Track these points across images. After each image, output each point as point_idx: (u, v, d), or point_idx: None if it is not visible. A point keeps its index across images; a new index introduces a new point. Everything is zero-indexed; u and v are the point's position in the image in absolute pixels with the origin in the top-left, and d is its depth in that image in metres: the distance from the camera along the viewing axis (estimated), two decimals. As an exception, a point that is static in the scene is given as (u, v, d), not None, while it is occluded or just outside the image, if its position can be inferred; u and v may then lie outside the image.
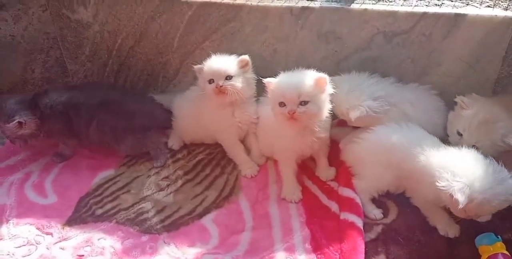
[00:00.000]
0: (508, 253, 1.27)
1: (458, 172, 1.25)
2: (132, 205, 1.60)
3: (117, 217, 1.56)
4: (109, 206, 1.61)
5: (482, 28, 1.63)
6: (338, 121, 1.82)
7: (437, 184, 1.26)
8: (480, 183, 1.22)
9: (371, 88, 1.59)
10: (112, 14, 1.91)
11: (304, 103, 1.41)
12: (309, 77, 1.43)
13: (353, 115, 1.52)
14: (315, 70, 1.51)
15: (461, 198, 1.20)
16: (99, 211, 1.59)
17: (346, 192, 1.54)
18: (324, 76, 1.44)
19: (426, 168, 1.35)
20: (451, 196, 1.22)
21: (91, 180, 1.72)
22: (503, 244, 1.30)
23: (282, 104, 1.44)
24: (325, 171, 1.66)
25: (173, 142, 1.86)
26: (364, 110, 1.53)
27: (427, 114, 1.59)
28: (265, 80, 1.50)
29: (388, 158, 1.46)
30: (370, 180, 1.51)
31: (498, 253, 1.26)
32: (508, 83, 1.69)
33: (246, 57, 1.67)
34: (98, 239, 1.48)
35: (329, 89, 1.46)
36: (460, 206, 1.20)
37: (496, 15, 1.60)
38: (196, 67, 1.69)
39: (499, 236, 1.32)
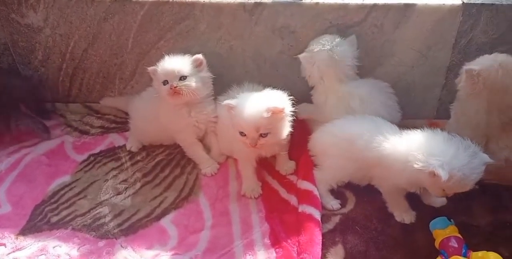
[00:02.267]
0: (460, 236, 1.29)
1: (433, 151, 1.27)
2: (89, 211, 1.56)
3: (73, 223, 1.52)
4: (65, 213, 1.56)
5: (431, 17, 1.65)
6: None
7: (415, 166, 1.27)
8: (457, 160, 1.25)
9: None
10: (63, 17, 1.87)
11: (264, 135, 1.41)
12: (266, 109, 1.38)
13: None
14: (279, 90, 1.52)
15: (443, 173, 1.21)
16: (55, 219, 1.54)
17: (304, 184, 1.54)
18: (280, 106, 1.39)
19: (395, 154, 1.36)
20: (432, 174, 1.24)
21: (46, 187, 1.67)
22: (455, 227, 1.31)
23: (242, 133, 1.43)
24: (284, 165, 1.65)
25: (132, 144, 1.82)
26: None
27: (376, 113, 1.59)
28: (224, 103, 1.48)
29: (350, 150, 1.46)
30: (331, 172, 1.51)
31: (451, 236, 1.28)
32: (460, 70, 1.70)
33: (200, 56, 1.65)
34: (54, 247, 1.44)
35: (288, 113, 1.44)
36: (443, 179, 1.21)
37: (444, 4, 1.63)
38: (150, 69, 1.67)
39: (451, 220, 1.33)
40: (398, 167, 1.34)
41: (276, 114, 1.39)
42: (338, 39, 1.64)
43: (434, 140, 1.33)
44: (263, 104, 1.40)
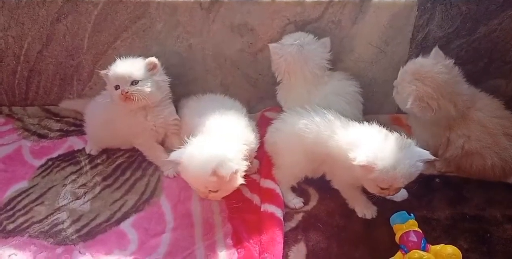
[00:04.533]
0: (419, 230, 1.29)
1: (362, 145, 1.28)
2: (46, 217, 1.52)
3: (29, 230, 1.47)
4: (21, 219, 1.51)
5: (387, 12, 1.65)
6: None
7: (349, 160, 1.28)
8: (382, 151, 1.25)
9: None
10: (14, 18, 1.80)
11: (214, 191, 1.33)
12: (212, 172, 1.27)
13: None
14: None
15: (358, 158, 1.22)
16: (11, 226, 1.49)
17: (267, 183, 1.53)
18: (228, 172, 1.27)
19: (338, 150, 1.36)
20: (359, 166, 1.24)
21: (2, 194, 1.61)
22: (415, 221, 1.32)
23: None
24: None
25: (91, 147, 1.78)
26: None
27: None
28: (171, 158, 1.36)
29: (300, 144, 1.45)
30: (286, 169, 1.51)
31: (410, 230, 1.28)
32: (418, 65, 1.72)
33: (153, 59, 1.59)
34: (9, 256, 1.39)
35: (239, 174, 1.35)
36: (355, 162, 1.22)
37: (399, -1, 1.64)
38: (102, 72, 1.61)
39: (411, 214, 1.34)
40: (340, 163, 1.35)
41: (227, 179, 1.27)
42: (311, 38, 1.63)
43: (368, 134, 1.34)
44: (209, 166, 1.26)
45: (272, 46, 1.63)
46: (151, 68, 1.58)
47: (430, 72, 1.46)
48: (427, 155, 1.27)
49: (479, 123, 1.49)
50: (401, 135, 1.31)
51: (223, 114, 1.50)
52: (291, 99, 1.67)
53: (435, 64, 1.47)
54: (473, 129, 1.49)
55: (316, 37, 1.63)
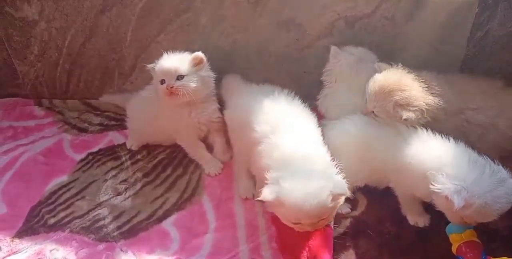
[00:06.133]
0: (478, 241, 1.21)
1: (454, 174, 1.14)
2: (87, 212, 1.50)
3: (71, 225, 1.46)
4: (62, 214, 1.50)
5: (445, 9, 1.56)
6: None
7: (431, 187, 1.15)
8: (478, 187, 1.11)
9: None
10: (59, 10, 1.79)
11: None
12: (331, 198, 1.12)
13: None
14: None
15: (457, 200, 1.09)
16: (52, 220, 1.48)
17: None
18: (344, 189, 1.16)
19: (414, 164, 1.24)
20: (447, 198, 1.11)
21: (43, 187, 1.61)
22: (473, 231, 1.23)
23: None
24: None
25: (132, 143, 1.76)
26: None
27: None
28: (269, 198, 1.15)
29: (368, 152, 1.35)
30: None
31: (468, 241, 1.20)
32: (475, 64, 1.63)
33: (199, 54, 1.54)
34: (51, 251, 1.39)
35: None
36: (455, 208, 1.09)
37: (459, -5, 1.54)
38: (149, 66, 1.58)
39: (469, 223, 1.26)
40: (416, 178, 1.23)
41: (340, 197, 1.17)
42: (375, 58, 1.54)
43: (458, 158, 1.18)
44: (325, 193, 1.11)
45: (334, 48, 1.55)
46: (197, 63, 1.54)
47: (398, 77, 1.38)
48: None
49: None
50: (494, 162, 1.17)
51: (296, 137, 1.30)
52: (335, 107, 1.58)
53: (396, 70, 1.40)
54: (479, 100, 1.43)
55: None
